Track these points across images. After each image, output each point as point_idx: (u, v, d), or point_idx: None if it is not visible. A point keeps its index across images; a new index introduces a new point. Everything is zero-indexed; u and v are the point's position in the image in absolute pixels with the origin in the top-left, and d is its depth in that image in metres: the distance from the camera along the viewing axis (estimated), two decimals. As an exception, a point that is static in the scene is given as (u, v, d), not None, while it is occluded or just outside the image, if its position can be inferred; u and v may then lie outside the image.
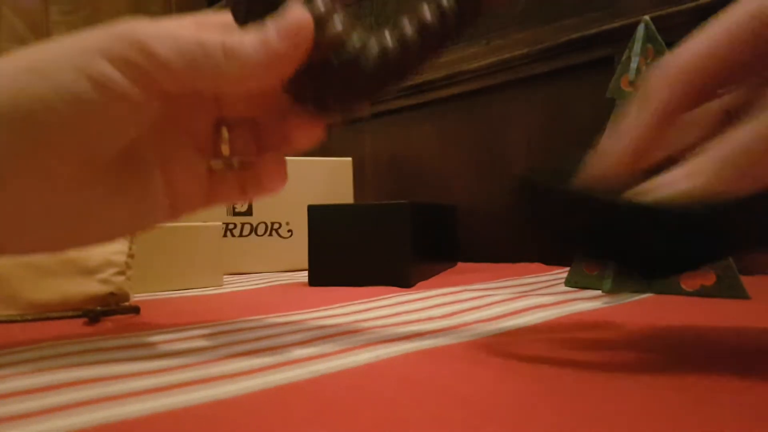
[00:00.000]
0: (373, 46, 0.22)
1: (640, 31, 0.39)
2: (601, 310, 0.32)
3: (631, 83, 0.38)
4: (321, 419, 0.15)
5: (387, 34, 0.22)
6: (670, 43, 0.40)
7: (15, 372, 0.20)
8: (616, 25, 0.65)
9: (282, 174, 0.26)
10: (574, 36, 0.72)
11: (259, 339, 0.26)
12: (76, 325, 0.30)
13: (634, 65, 0.38)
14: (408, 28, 0.22)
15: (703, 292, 0.37)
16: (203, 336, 0.27)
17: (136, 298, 0.41)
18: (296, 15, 0.21)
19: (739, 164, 0.18)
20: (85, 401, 0.17)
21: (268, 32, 0.21)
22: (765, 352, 0.23)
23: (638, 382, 0.18)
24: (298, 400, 0.17)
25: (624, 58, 0.39)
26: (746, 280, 0.36)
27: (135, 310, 0.34)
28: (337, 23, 0.22)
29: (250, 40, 0.21)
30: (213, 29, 0.23)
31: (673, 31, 0.62)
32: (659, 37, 0.39)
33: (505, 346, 0.23)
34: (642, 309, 0.33)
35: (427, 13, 0.22)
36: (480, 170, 0.88)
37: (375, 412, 0.16)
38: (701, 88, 0.21)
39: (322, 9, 0.22)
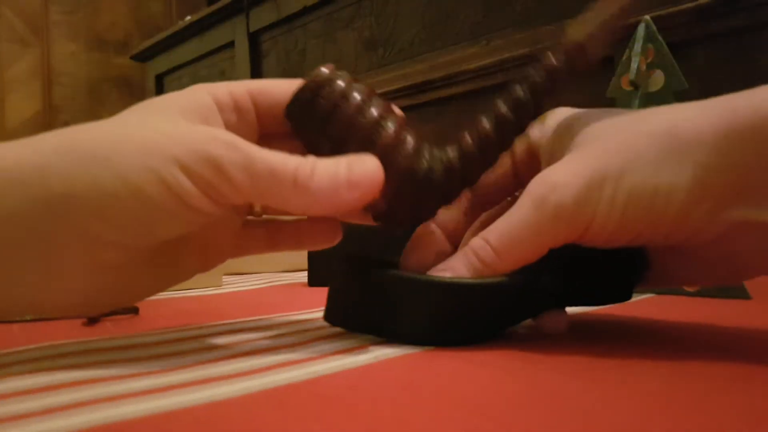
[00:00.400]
0: (438, 164, 0.23)
1: (641, 30, 0.39)
2: (601, 310, 0.32)
3: (632, 83, 0.38)
4: (320, 420, 0.15)
5: (449, 150, 0.23)
6: (671, 43, 0.40)
7: (14, 372, 0.20)
8: (616, 24, 0.65)
9: (334, 239, 0.27)
10: (574, 36, 0.71)
11: (258, 339, 0.26)
12: (75, 326, 0.30)
13: (634, 65, 0.38)
14: (468, 140, 0.23)
15: (704, 292, 0.37)
16: (202, 336, 0.27)
17: (136, 298, 0.41)
18: (369, 169, 0.22)
19: (468, 264, 0.23)
20: (84, 402, 0.17)
21: (339, 179, 0.21)
22: (766, 352, 0.23)
23: (638, 382, 0.18)
24: (297, 400, 0.17)
25: (624, 57, 0.39)
26: (747, 281, 0.36)
27: (134, 310, 0.34)
28: (408, 148, 0.23)
29: (319, 181, 0.21)
30: (287, 146, 0.23)
31: (673, 30, 0.62)
32: (660, 37, 0.39)
33: (505, 347, 0.23)
34: (642, 309, 0.33)
35: (485, 122, 0.23)
36: (480, 170, 0.88)
37: (374, 413, 0.16)
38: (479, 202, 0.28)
39: (392, 134, 0.22)
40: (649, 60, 0.39)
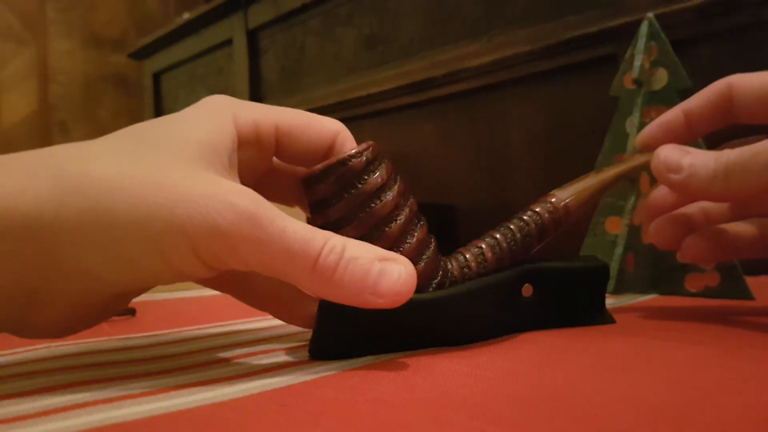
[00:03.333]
0: (447, 274, 0.24)
1: (644, 28, 0.38)
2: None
3: (635, 81, 0.38)
4: (320, 422, 0.15)
5: (454, 262, 0.24)
6: (674, 41, 0.39)
7: (10, 374, 0.20)
8: (619, 22, 0.65)
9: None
10: (576, 33, 0.71)
11: (257, 341, 0.25)
12: (72, 326, 0.30)
13: (637, 63, 0.38)
14: (471, 262, 0.25)
15: (707, 293, 0.36)
16: (200, 338, 0.26)
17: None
18: (405, 280, 0.20)
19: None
20: (82, 404, 0.16)
21: (366, 282, 0.19)
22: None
23: (640, 384, 0.18)
24: (297, 402, 0.17)
25: (627, 55, 0.39)
26: (750, 281, 0.35)
27: (131, 311, 0.33)
28: (429, 253, 0.23)
29: (344, 277, 0.19)
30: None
31: (676, 28, 0.62)
32: (663, 35, 0.38)
33: (507, 348, 0.23)
34: (645, 310, 0.33)
35: (486, 246, 0.25)
36: (480, 170, 0.87)
37: (375, 415, 0.15)
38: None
39: (413, 246, 0.22)
40: (652, 58, 0.38)
